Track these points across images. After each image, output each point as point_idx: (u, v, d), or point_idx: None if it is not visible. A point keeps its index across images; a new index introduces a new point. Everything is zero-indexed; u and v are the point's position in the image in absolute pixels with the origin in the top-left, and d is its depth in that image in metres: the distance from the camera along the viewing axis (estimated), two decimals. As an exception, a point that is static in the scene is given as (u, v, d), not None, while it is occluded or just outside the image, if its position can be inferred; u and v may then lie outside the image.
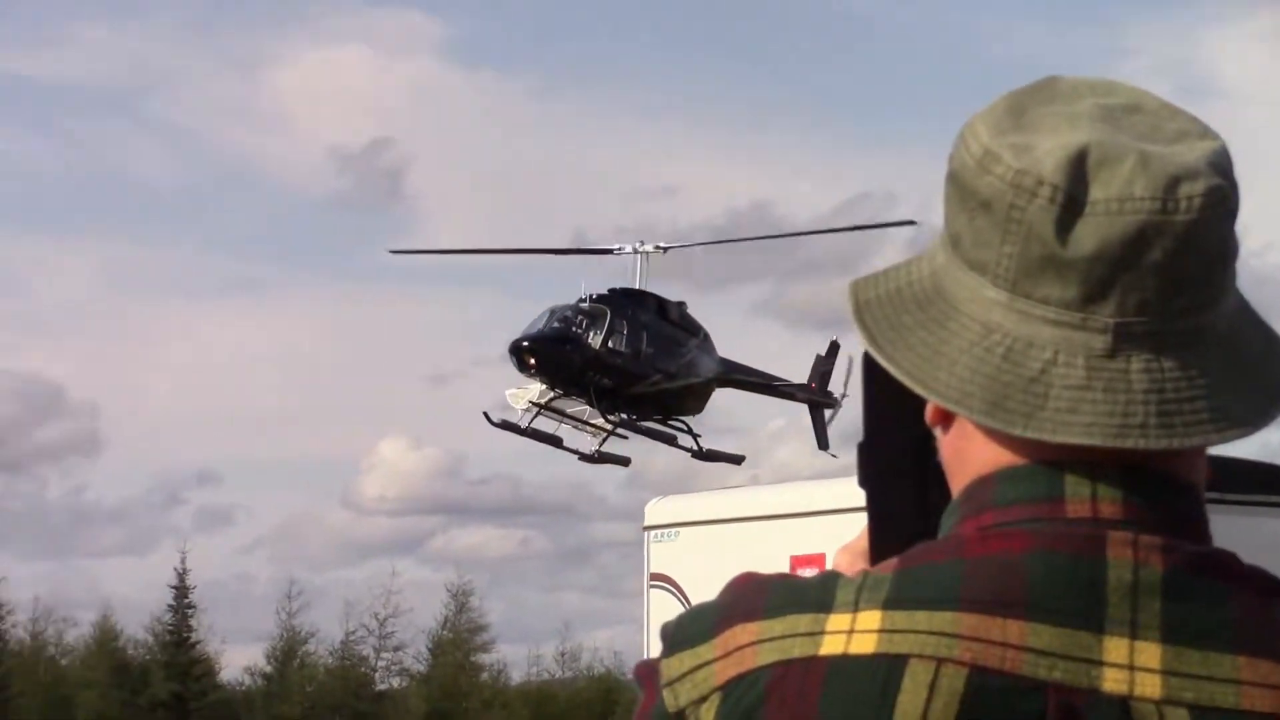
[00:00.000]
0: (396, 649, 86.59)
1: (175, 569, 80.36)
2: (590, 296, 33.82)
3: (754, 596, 1.47)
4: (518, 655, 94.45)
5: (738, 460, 38.87)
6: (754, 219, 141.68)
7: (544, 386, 33.56)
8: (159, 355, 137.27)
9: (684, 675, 1.46)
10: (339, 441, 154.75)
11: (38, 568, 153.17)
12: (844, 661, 1.38)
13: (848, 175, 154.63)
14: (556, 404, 34.23)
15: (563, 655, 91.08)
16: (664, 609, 16.11)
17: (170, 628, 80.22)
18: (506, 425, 34.77)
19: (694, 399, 35.96)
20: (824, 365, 39.00)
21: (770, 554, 15.62)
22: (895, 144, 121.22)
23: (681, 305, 35.93)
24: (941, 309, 1.42)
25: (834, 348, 38.88)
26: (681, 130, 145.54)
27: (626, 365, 33.45)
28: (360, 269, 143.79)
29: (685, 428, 36.27)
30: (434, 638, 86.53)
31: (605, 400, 33.85)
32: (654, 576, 16.90)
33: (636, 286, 34.89)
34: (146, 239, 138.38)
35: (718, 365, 36.16)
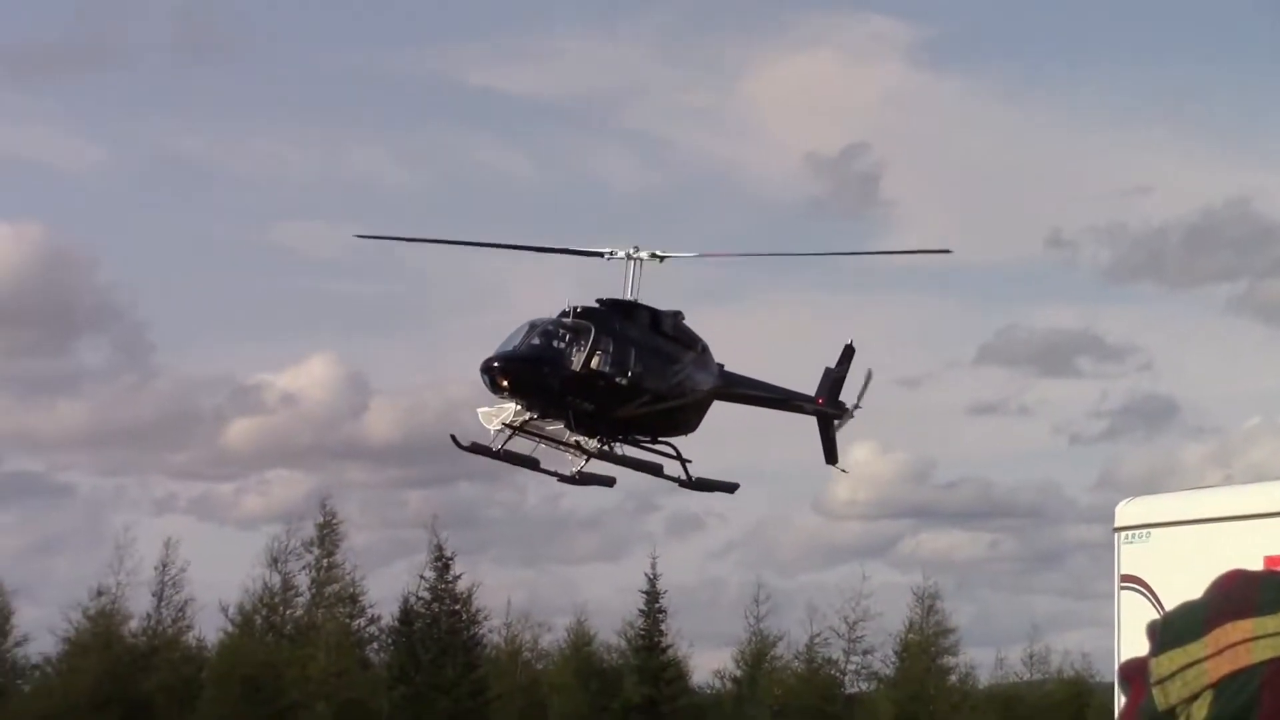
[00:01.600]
0: (865, 653, 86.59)
1: (646, 574, 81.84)
2: (574, 310, 30.76)
3: (1246, 593, 1.45)
4: (985, 658, 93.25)
5: (731, 488, 35.96)
6: (1232, 216, 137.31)
7: (518, 405, 30.50)
8: None
9: (1174, 674, 1.45)
10: (810, 446, 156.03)
11: (514, 574, 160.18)
12: None
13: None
14: (533, 425, 31.19)
15: (1031, 658, 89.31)
16: (1135, 611, 15.77)
17: (642, 632, 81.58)
18: (476, 448, 32.08)
19: (686, 418, 32.70)
20: (835, 373, 35.95)
21: (1244, 554, 14.82)
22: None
23: (677, 316, 32.86)
24: None
25: (848, 352, 36.08)
26: (1157, 129, 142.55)
27: (610, 386, 30.54)
28: (835, 273, 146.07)
29: (674, 452, 32.88)
30: (901, 641, 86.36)
31: (585, 424, 30.79)
32: (1125, 578, 16.51)
33: (629, 297, 31.71)
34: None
35: (715, 379, 33.05)
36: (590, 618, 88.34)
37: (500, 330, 32.54)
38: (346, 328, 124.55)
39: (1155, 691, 1.45)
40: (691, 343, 32.61)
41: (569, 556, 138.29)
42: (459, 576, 78.56)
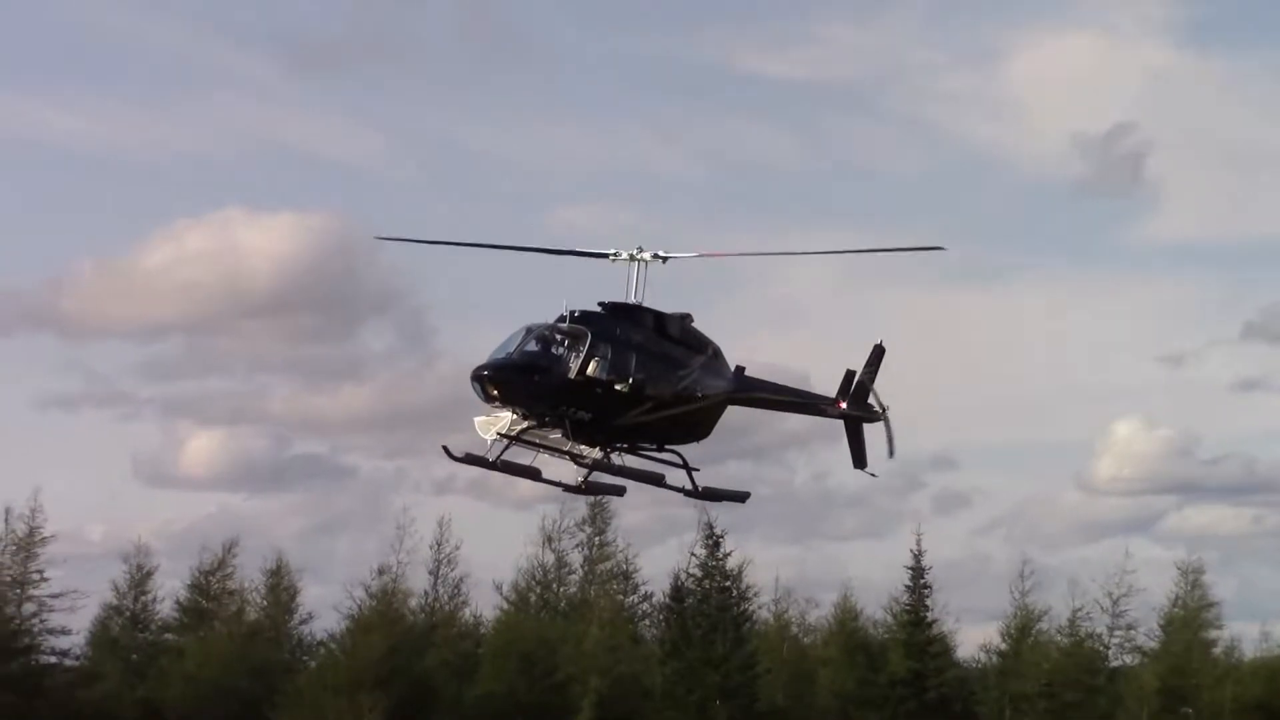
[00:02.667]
0: (1129, 627, 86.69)
1: (912, 551, 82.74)
2: (572, 313, 29.13)
3: None
4: (1249, 632, 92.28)
5: (742, 498, 33.90)
6: None
7: (514, 415, 29.08)
8: (899, 343, 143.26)
9: None
10: (1073, 424, 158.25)
11: (782, 551, 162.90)
12: None
13: None
14: (531, 434, 29.65)
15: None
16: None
17: (908, 607, 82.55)
18: (471, 459, 30.21)
19: (695, 425, 31.13)
20: (862, 375, 33.25)
21: None
22: None
23: (685, 318, 31.09)
24: None
25: (878, 353, 33.30)
26: None
27: (608, 393, 28.82)
28: (1097, 253, 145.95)
29: (680, 460, 31.24)
30: (1165, 615, 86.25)
31: (585, 433, 29.29)
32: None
33: (633, 299, 30.23)
34: (886, 229, 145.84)
35: (730, 384, 31.46)
36: (856, 593, 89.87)
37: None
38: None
39: None
40: (701, 346, 31.21)
41: (835, 533, 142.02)
42: (729, 554, 79.99)
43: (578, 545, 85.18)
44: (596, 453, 29.88)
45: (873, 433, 33.70)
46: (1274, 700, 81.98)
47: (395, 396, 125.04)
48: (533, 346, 28.55)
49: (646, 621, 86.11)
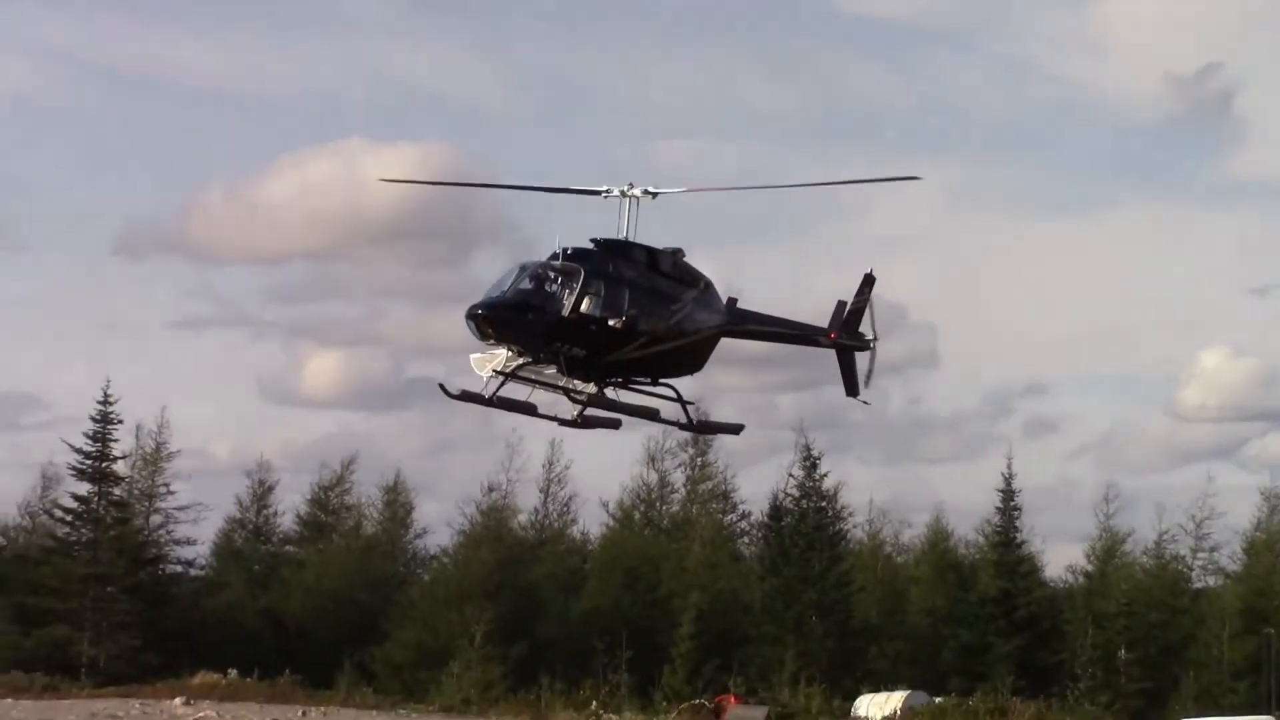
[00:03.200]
0: (1212, 550, 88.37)
1: (1003, 474, 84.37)
2: (565, 251, 29.06)
3: None
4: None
5: (736, 429, 34.28)
6: None
7: (509, 352, 29.29)
8: (993, 275, 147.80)
9: None
10: (1162, 352, 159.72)
11: (877, 473, 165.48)
12: None
13: None
14: (527, 370, 29.74)
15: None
16: None
17: (998, 529, 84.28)
18: (467, 396, 30.36)
19: (688, 358, 31.21)
20: (853, 305, 33.58)
21: None
22: None
23: (677, 253, 30.92)
24: None
25: (868, 281, 33.58)
26: None
27: (603, 330, 28.94)
28: (1187, 187, 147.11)
29: (675, 394, 31.36)
30: (1248, 539, 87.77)
31: (579, 368, 29.39)
32: None
33: (624, 236, 30.12)
34: (985, 165, 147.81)
35: (722, 316, 31.54)
36: (947, 515, 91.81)
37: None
38: (721, 240, 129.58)
39: None
40: (693, 280, 30.94)
41: (928, 456, 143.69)
42: (825, 475, 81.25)
43: (680, 466, 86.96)
44: (591, 388, 29.80)
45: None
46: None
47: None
48: (526, 284, 28.52)
49: (745, 539, 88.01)
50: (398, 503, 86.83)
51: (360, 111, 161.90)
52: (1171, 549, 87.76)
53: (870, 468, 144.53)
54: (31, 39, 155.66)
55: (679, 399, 31.04)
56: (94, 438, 74.35)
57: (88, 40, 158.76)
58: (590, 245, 29.16)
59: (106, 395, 73.21)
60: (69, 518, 76.27)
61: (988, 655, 77.74)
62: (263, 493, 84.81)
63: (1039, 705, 63.13)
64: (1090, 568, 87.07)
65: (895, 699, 64.01)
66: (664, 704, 63.71)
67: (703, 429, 33.93)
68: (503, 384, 29.16)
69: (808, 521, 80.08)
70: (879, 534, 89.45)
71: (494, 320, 27.89)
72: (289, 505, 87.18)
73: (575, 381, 29.42)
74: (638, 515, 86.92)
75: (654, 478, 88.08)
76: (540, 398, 30.15)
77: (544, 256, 28.71)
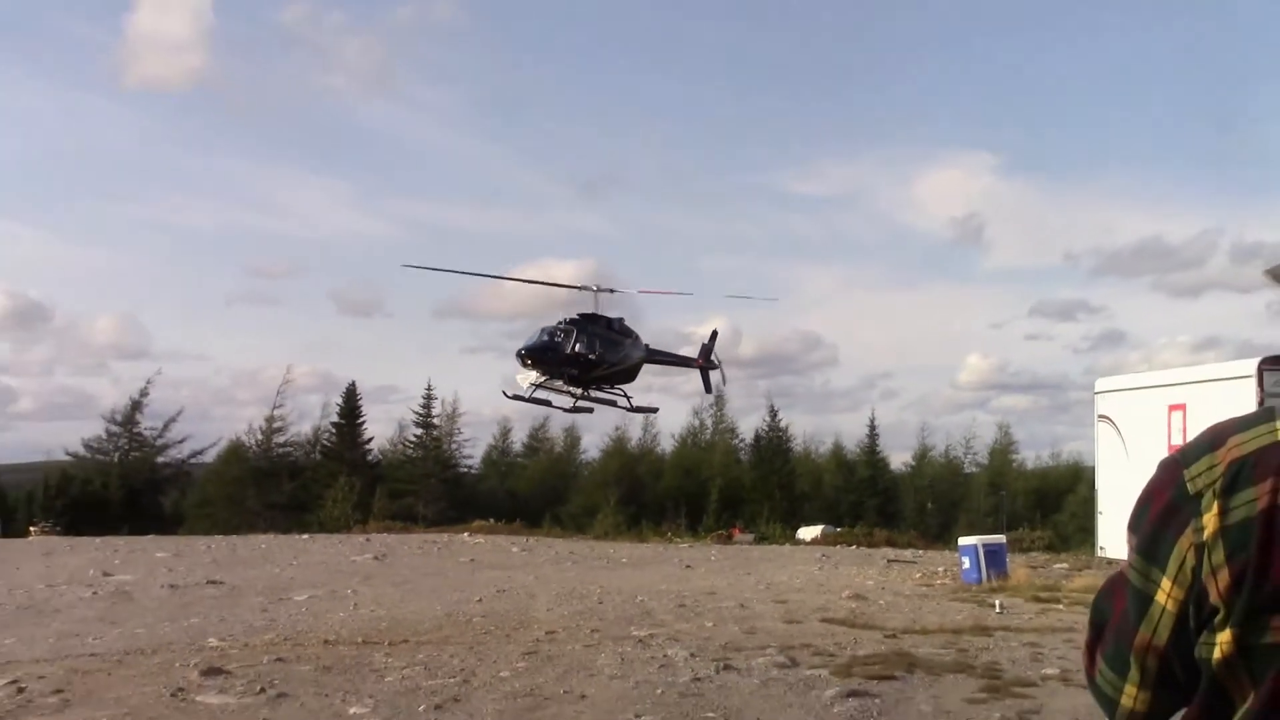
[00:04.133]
0: (974, 454, 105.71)
1: (869, 417, 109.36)
2: (566, 319, 40.17)
3: (1224, 427, 2.56)
4: None
5: (653, 410, 48.39)
6: None
7: (537, 373, 40.29)
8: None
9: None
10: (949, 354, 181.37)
11: (808, 418, 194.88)
12: None
13: None
14: (546, 383, 40.64)
15: None
16: None
17: (867, 444, 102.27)
18: (517, 397, 41.23)
19: (628, 375, 41.79)
20: (707, 344, 43.58)
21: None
22: None
23: (621, 320, 41.04)
24: None
25: (714, 335, 43.93)
26: None
27: (587, 360, 39.90)
28: None
29: (622, 394, 42.20)
30: (990, 448, 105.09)
31: (574, 380, 40.48)
32: None
33: (595, 312, 40.60)
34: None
35: (643, 353, 41.63)
36: (843, 438, 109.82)
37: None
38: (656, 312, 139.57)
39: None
40: (630, 334, 41.03)
41: (833, 410, 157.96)
42: (781, 419, 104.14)
43: (709, 414, 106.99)
44: (579, 391, 40.85)
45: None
46: None
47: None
48: (545, 338, 39.65)
49: (742, 452, 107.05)
50: (571, 436, 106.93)
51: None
52: (953, 453, 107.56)
53: (805, 415, 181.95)
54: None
55: (625, 395, 42.25)
56: (424, 404, 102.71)
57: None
58: (577, 317, 40.27)
59: (430, 385, 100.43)
60: (413, 445, 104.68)
61: (862, 508, 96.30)
62: (504, 433, 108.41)
63: (888, 531, 75.25)
64: (913, 462, 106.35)
65: (818, 529, 72.63)
66: (703, 533, 72.90)
67: (636, 410, 44.28)
68: (534, 390, 40.50)
69: (773, 442, 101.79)
70: (809, 449, 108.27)
71: (531, 356, 39.46)
72: (517, 437, 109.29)
73: (572, 388, 40.70)
74: (689, 441, 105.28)
75: (697, 422, 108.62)
76: (555, 398, 41.47)
77: (554, 322, 40.11)
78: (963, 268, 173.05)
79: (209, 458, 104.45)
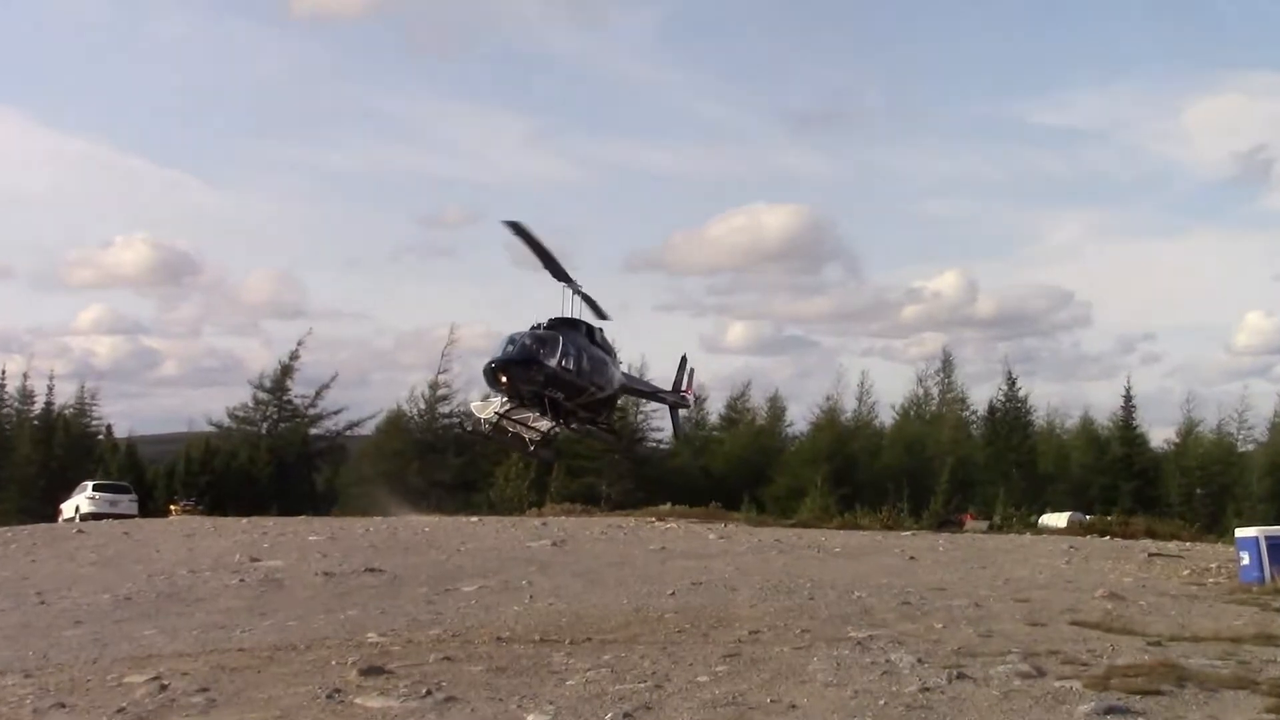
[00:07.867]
0: (1250, 428, 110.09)
1: (1125, 386, 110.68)
2: (541, 325, 36.73)
3: None
4: None
5: (619, 439, 47.59)
6: None
7: (504, 398, 36.74)
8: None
9: None
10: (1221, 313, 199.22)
11: (1052, 387, 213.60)
12: None
13: None
14: (512, 412, 37.48)
15: None
16: None
17: (1123, 417, 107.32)
18: (476, 431, 40.31)
19: (609, 406, 40.25)
20: (677, 379, 44.66)
21: None
22: None
23: (601, 331, 38.81)
24: None
25: (684, 360, 44.58)
26: None
27: (573, 383, 36.79)
28: None
29: (608, 428, 41.45)
30: (1271, 422, 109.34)
31: (554, 409, 36.86)
32: None
33: (573, 316, 37.68)
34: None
35: (624, 379, 40.67)
36: (1093, 410, 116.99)
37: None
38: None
39: None
40: (611, 350, 39.70)
41: (1083, 377, 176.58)
42: (1020, 388, 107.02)
43: (936, 384, 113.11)
44: (552, 425, 37.96)
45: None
46: None
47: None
48: (524, 347, 36.41)
49: (974, 425, 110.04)
50: (776, 406, 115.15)
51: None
52: (1226, 429, 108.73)
53: (1048, 383, 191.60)
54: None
55: (610, 430, 42.62)
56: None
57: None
58: (551, 321, 37.49)
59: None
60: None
61: (1116, 493, 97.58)
62: (698, 402, 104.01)
63: (1148, 519, 70.71)
64: (1178, 440, 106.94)
65: (1064, 516, 75.23)
66: (929, 519, 75.35)
67: (615, 441, 45.22)
68: (498, 422, 37.90)
69: (1010, 414, 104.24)
70: (1053, 422, 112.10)
71: (505, 373, 35.98)
72: (713, 407, 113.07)
73: (544, 421, 37.87)
74: (912, 413, 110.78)
75: (921, 391, 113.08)
76: (527, 433, 38.96)
77: (526, 327, 37.37)
78: (1243, 210, 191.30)
79: (367, 429, 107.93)
